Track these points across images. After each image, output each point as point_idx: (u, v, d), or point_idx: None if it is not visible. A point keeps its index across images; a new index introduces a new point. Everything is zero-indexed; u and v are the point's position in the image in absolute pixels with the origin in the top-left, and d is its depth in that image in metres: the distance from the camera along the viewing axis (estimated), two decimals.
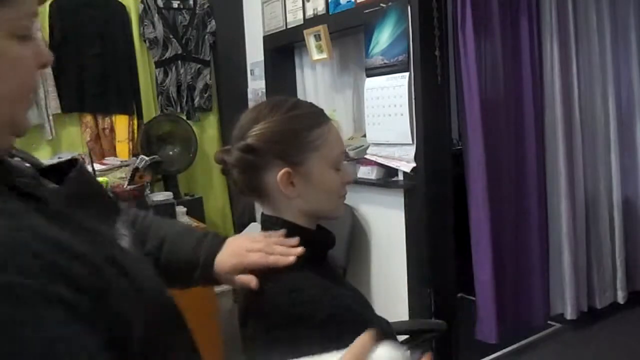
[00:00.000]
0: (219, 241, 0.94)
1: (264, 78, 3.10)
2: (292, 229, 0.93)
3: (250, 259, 0.89)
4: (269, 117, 0.91)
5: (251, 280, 0.88)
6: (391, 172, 2.36)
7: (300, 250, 0.88)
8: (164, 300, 0.69)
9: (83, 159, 2.68)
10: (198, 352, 0.82)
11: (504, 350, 2.60)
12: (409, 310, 2.31)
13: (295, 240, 0.90)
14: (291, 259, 0.87)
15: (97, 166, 2.53)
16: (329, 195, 0.95)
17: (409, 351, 0.77)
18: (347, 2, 2.42)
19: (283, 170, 0.89)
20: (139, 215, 0.97)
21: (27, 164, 0.72)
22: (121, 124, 3.03)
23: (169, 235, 0.95)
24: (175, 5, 3.14)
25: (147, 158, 2.72)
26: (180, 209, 2.47)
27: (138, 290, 0.61)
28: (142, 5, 3.04)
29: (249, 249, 0.90)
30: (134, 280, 0.61)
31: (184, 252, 0.92)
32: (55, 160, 0.79)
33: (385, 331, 0.94)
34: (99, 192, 0.77)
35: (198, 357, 0.82)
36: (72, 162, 0.75)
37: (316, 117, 0.94)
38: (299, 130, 0.91)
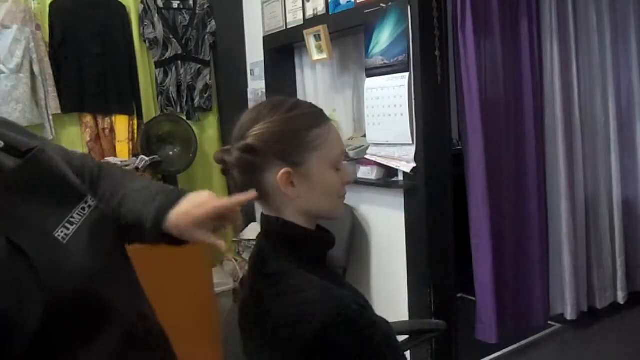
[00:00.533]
0: (176, 196, 0.89)
1: (264, 78, 3.10)
2: (292, 229, 0.93)
3: (197, 212, 0.85)
4: (269, 117, 0.91)
5: (209, 237, 0.85)
6: (391, 172, 2.36)
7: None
8: (81, 294, 0.71)
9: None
10: (139, 349, 0.82)
11: (504, 350, 2.60)
12: (409, 310, 2.31)
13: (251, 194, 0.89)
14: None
15: None
16: (329, 195, 0.95)
17: None
18: (347, 2, 2.42)
19: (283, 170, 0.89)
20: (132, 189, 0.95)
21: None
22: (121, 124, 3.03)
23: (129, 192, 0.93)
24: (175, 5, 3.14)
25: (147, 158, 2.72)
26: None
27: (40, 278, 0.66)
28: (142, 6, 3.04)
29: (199, 203, 0.86)
30: (39, 271, 0.66)
31: (135, 207, 0.90)
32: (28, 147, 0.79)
33: (385, 331, 0.94)
34: (56, 178, 0.79)
35: (138, 355, 0.82)
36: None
37: (316, 117, 0.94)
38: (298, 130, 0.91)
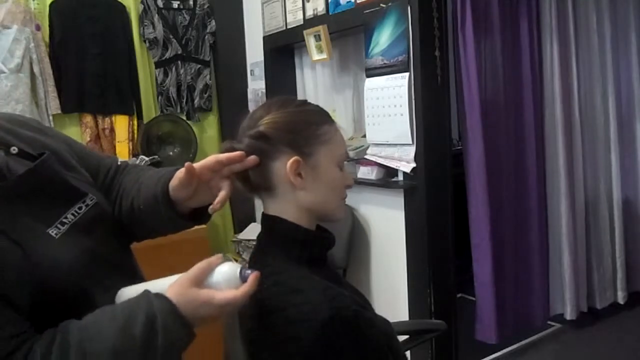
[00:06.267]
0: (175, 169, 0.96)
1: (264, 78, 3.09)
2: (292, 229, 0.93)
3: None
4: (281, 109, 0.94)
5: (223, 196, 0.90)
6: (391, 172, 2.36)
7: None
8: (67, 285, 0.79)
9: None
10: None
11: (504, 350, 2.60)
12: (409, 310, 2.31)
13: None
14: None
15: None
16: (333, 191, 0.96)
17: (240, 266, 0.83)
18: (347, 2, 2.42)
19: (294, 158, 0.90)
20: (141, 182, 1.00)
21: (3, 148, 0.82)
22: (121, 124, 3.03)
23: (144, 180, 0.99)
24: (175, 5, 3.14)
25: (147, 158, 2.72)
26: None
27: (32, 265, 0.75)
28: (142, 6, 3.04)
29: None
30: (30, 258, 0.75)
31: (149, 189, 0.95)
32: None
33: (386, 331, 0.94)
34: (57, 183, 0.86)
35: None
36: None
37: (324, 115, 0.98)
38: (309, 123, 0.94)
